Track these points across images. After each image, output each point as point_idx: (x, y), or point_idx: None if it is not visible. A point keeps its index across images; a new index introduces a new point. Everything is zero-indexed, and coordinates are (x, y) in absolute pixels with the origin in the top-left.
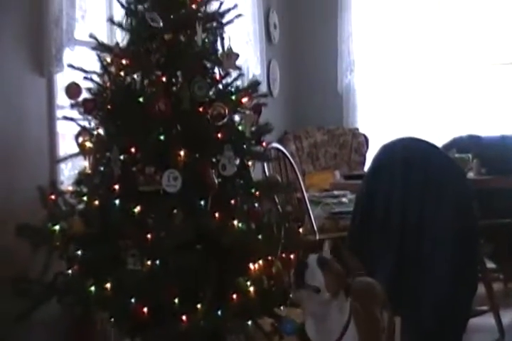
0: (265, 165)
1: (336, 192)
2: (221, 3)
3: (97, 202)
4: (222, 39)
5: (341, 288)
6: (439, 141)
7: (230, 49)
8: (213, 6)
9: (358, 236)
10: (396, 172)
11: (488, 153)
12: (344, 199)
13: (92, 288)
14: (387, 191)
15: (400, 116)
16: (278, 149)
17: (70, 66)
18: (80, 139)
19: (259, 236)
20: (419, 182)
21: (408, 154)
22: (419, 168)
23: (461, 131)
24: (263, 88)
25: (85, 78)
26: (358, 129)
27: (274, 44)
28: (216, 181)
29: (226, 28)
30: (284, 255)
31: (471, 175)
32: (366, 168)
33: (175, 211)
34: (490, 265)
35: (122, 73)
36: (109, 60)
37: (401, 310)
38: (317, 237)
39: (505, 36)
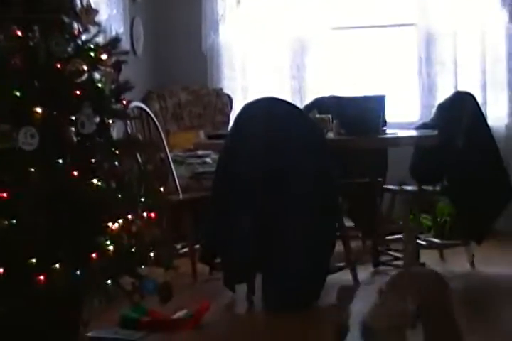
0: (127, 123)
1: (199, 152)
2: None
3: None
4: None
5: None
6: (302, 102)
7: (89, 4)
8: None
9: (220, 195)
10: (257, 131)
11: (348, 113)
12: (208, 160)
13: None
14: (248, 150)
15: (264, 76)
16: (141, 108)
17: None
18: None
19: (119, 195)
20: (279, 142)
21: (270, 113)
22: (280, 127)
23: (324, 91)
24: (126, 46)
25: None
26: (222, 89)
27: (138, 1)
28: (74, 139)
29: None
30: (145, 214)
31: (330, 135)
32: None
33: (32, 169)
34: (348, 223)
35: None
36: None
37: (262, 268)
38: (180, 197)
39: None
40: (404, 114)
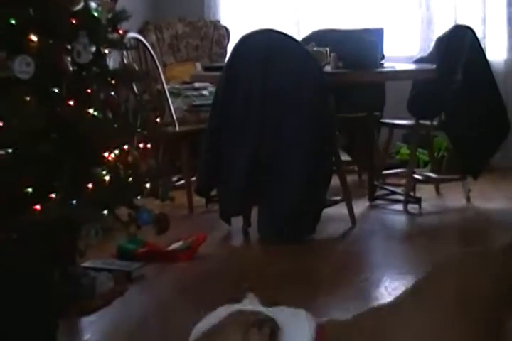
0: (123, 54)
1: (196, 85)
2: None
3: None
4: None
5: None
6: (300, 35)
7: None
8: None
9: (217, 127)
10: (255, 63)
11: (346, 47)
12: (205, 92)
13: None
14: (246, 81)
15: (262, 8)
16: (138, 39)
17: None
18: None
19: (115, 125)
20: (276, 74)
21: (267, 45)
22: (278, 59)
23: (322, 24)
24: None
25: None
26: (219, 21)
27: None
28: (70, 68)
29: None
30: (141, 145)
31: (328, 68)
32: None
33: (28, 98)
34: (345, 157)
35: None
36: None
37: (258, 200)
38: (177, 129)
39: None
40: (403, 48)
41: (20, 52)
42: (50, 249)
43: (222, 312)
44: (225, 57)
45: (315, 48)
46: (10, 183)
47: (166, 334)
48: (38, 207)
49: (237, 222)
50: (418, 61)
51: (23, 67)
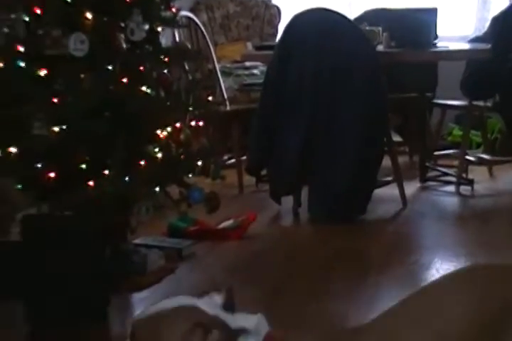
0: (176, 32)
1: (247, 64)
2: None
3: (0, 64)
4: None
5: None
6: (352, 15)
7: None
8: None
9: (269, 107)
10: (307, 43)
11: (399, 26)
12: (256, 71)
13: None
14: (298, 61)
15: None
16: (190, 18)
17: None
18: None
19: (168, 103)
20: (330, 53)
21: (320, 24)
22: (331, 38)
23: (374, 3)
24: None
25: None
26: (270, 1)
27: None
28: (124, 46)
29: None
30: (193, 123)
31: (380, 48)
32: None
33: (82, 75)
34: (396, 138)
35: None
36: None
37: (310, 177)
38: (228, 108)
39: None
40: (458, 28)
41: (75, 30)
42: (102, 225)
43: (180, 301)
44: (275, 37)
45: (367, 28)
46: (65, 159)
47: None
48: (91, 183)
49: (287, 201)
50: (473, 41)
51: (77, 45)
